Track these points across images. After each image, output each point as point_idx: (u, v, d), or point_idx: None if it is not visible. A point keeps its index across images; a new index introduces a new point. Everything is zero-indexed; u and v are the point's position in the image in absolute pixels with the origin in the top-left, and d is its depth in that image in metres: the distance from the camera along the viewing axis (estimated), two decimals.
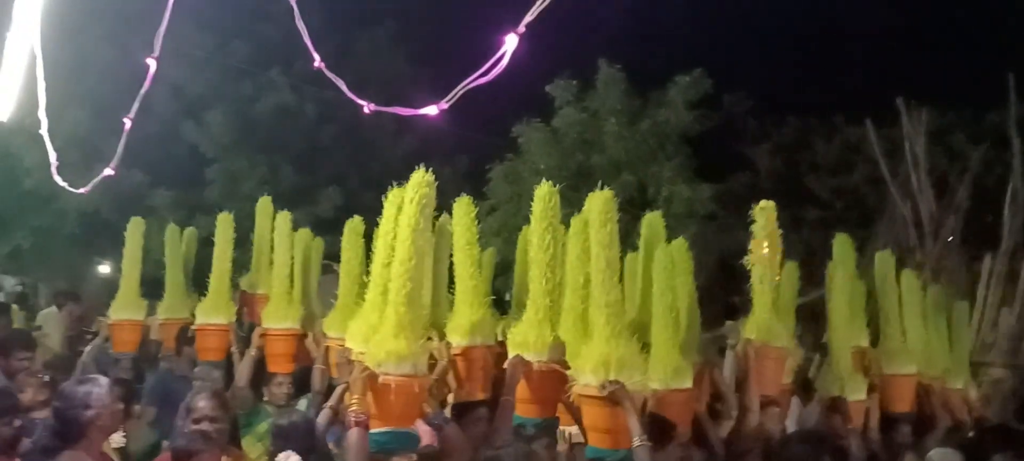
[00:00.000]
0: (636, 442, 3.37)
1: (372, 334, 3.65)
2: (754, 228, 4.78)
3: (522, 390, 3.97)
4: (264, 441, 4.43)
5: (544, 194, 4.10)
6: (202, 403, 3.59)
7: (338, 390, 3.72)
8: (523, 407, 3.99)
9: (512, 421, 3.90)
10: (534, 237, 4.11)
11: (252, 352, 5.19)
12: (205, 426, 3.52)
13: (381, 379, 3.39)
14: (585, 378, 3.58)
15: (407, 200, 3.62)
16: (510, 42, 2.52)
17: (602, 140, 13.52)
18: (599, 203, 3.69)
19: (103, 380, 3.38)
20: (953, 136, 13.08)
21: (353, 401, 3.33)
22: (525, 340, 3.97)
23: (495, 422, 3.85)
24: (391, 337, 3.47)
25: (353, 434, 3.27)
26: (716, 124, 13.99)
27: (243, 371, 5.09)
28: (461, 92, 2.72)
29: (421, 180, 3.64)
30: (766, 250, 4.77)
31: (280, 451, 3.91)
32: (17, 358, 5.06)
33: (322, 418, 3.69)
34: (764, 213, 4.75)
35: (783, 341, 4.71)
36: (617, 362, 3.51)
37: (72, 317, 10.03)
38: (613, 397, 3.46)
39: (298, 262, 5.69)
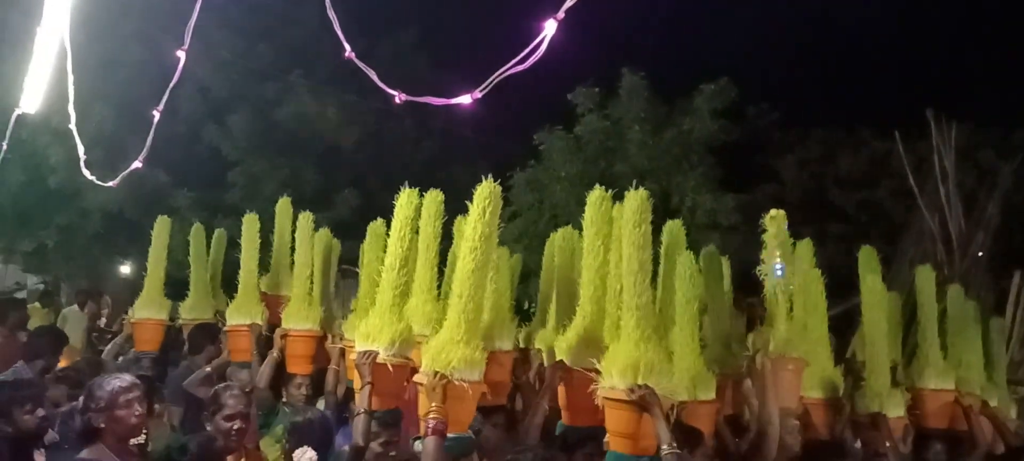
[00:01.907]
0: (665, 449, 3.24)
1: (393, 336, 3.65)
2: (765, 237, 4.73)
3: (564, 397, 3.92)
4: (282, 442, 4.41)
5: (596, 199, 4.02)
6: (231, 400, 3.63)
7: (365, 392, 3.68)
8: (568, 415, 3.95)
9: (539, 426, 3.84)
10: (585, 243, 4.03)
11: (273, 353, 5.17)
12: (238, 424, 3.56)
13: (457, 385, 3.36)
14: (611, 381, 3.48)
15: (475, 209, 3.60)
16: (549, 27, 2.47)
17: (625, 148, 13.44)
18: (634, 204, 3.61)
19: (127, 378, 3.37)
20: (982, 151, 12.88)
21: (432, 407, 3.27)
22: (571, 346, 3.89)
23: (522, 426, 3.80)
24: (462, 344, 3.45)
25: (430, 442, 3.21)
26: (741, 135, 13.88)
27: (263, 372, 5.08)
28: (497, 80, 2.67)
29: (489, 190, 3.62)
30: (778, 259, 4.72)
31: (296, 448, 3.91)
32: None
33: (360, 424, 3.65)
34: (775, 222, 4.70)
35: (800, 352, 4.63)
36: (646, 366, 3.41)
37: (94, 316, 10.12)
38: (642, 402, 3.35)
39: (318, 263, 5.68)
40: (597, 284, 3.96)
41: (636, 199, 3.61)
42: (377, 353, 3.75)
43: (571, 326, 4.02)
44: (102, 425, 3.23)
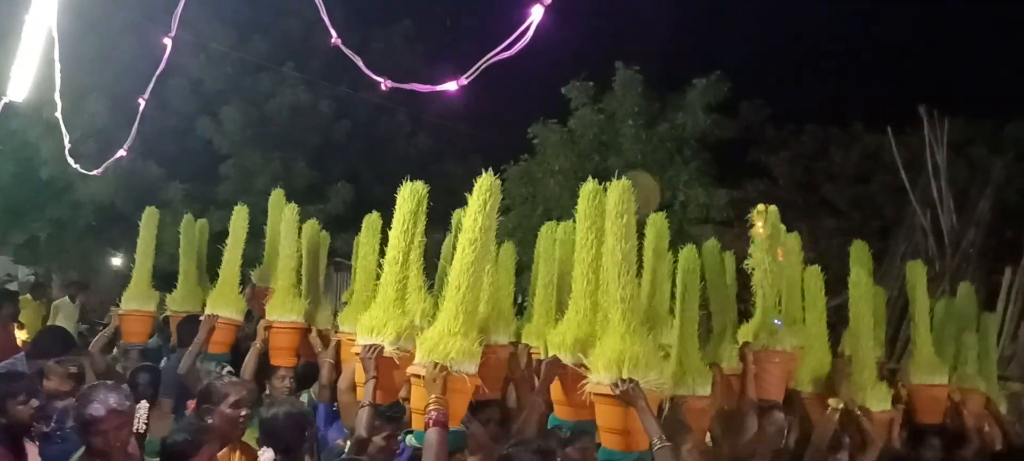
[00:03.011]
0: (656, 444, 3.21)
1: (398, 329, 3.65)
2: (752, 232, 4.73)
3: (559, 392, 3.90)
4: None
5: (589, 192, 3.98)
6: (234, 389, 3.72)
7: (369, 386, 3.67)
8: (561, 409, 3.93)
9: (536, 421, 3.81)
10: (578, 236, 3.99)
11: (257, 345, 5.14)
12: (245, 411, 3.66)
13: (456, 376, 3.33)
14: (598, 376, 3.45)
15: (474, 202, 3.56)
16: (536, 13, 2.47)
17: (618, 142, 13.46)
18: (616, 193, 3.56)
19: (110, 403, 3.26)
20: (974, 147, 12.91)
21: (432, 399, 3.23)
22: (564, 341, 3.86)
23: (519, 422, 3.78)
24: (460, 336, 3.41)
25: (433, 434, 3.15)
26: (734, 130, 13.89)
27: (248, 364, 5.05)
28: (483, 66, 2.68)
29: (489, 183, 3.57)
30: (764, 251, 4.73)
31: (263, 444, 3.88)
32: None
33: (365, 417, 3.64)
34: (761, 216, 4.70)
35: (786, 345, 4.63)
36: (631, 360, 3.37)
37: (84, 308, 10.10)
38: (626, 397, 3.31)
39: (305, 255, 5.66)
40: (590, 278, 3.92)
41: (619, 189, 3.57)
42: (382, 347, 3.73)
43: (563, 320, 3.99)
44: (85, 433, 3.24)
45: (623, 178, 3.62)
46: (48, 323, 9.79)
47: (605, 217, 3.92)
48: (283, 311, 5.25)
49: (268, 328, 5.21)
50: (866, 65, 19.05)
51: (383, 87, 3.27)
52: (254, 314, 5.97)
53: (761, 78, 16.61)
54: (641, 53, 13.98)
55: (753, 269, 4.71)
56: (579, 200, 4.00)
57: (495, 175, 3.62)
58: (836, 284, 6.14)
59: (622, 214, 3.53)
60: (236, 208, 5.98)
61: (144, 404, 4.31)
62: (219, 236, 6.75)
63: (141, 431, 4.12)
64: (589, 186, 3.98)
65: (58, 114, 5.78)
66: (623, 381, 3.33)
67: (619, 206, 3.55)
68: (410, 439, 3.71)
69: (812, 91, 17.82)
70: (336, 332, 5.02)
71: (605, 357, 3.43)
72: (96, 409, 3.22)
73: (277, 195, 6.15)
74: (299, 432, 3.67)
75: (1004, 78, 14.94)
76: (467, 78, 2.76)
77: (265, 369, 5.13)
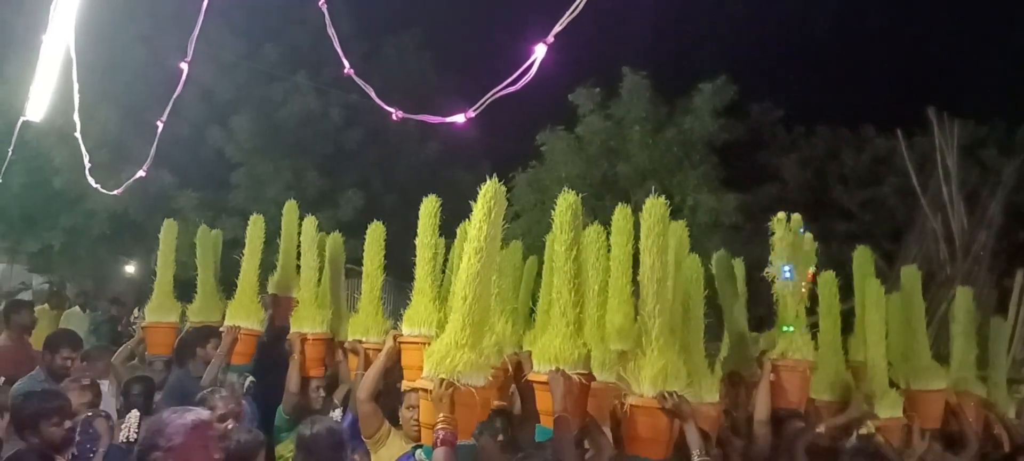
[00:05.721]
0: (696, 456, 3.34)
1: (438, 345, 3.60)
2: (773, 240, 4.72)
3: (548, 402, 3.84)
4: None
5: (569, 203, 4.03)
6: (221, 402, 3.75)
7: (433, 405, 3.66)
8: (546, 419, 3.90)
9: (572, 437, 3.73)
10: (560, 246, 3.97)
11: (296, 356, 5.17)
12: (232, 423, 3.67)
13: (463, 391, 3.31)
14: (639, 388, 3.54)
15: (479, 210, 3.52)
16: (539, 52, 2.47)
17: (626, 148, 13.45)
18: (657, 212, 3.65)
19: (205, 413, 3.02)
20: (985, 150, 12.89)
21: (440, 417, 3.21)
22: (556, 352, 3.83)
23: (554, 441, 3.76)
24: (467, 348, 3.40)
25: (440, 454, 3.14)
26: (744, 134, 13.87)
27: (293, 377, 5.06)
28: (489, 101, 2.69)
29: (494, 190, 3.53)
30: (787, 261, 4.71)
31: None
32: (62, 356, 5.10)
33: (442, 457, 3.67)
34: (781, 225, 4.70)
35: (804, 354, 4.62)
36: (673, 373, 3.49)
37: (113, 320, 10.19)
38: (676, 410, 3.42)
39: (328, 266, 5.70)
40: (574, 286, 3.92)
41: (657, 207, 3.64)
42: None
43: (549, 330, 3.97)
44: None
45: (660, 197, 3.68)
46: None
47: (580, 226, 3.95)
48: (311, 323, 5.29)
49: (304, 340, 5.23)
50: (876, 67, 19.00)
51: (395, 117, 3.28)
52: (275, 322, 5.98)
53: (771, 81, 16.62)
54: (648, 58, 14.03)
55: (774, 277, 4.71)
56: (556, 212, 3.99)
57: (504, 182, 3.60)
58: (847, 289, 6.14)
59: (662, 232, 3.62)
60: (252, 218, 6.01)
61: (135, 413, 4.36)
62: (230, 244, 6.79)
63: (132, 440, 4.12)
64: (569, 197, 3.98)
65: (78, 133, 5.79)
66: (670, 394, 3.44)
67: (660, 224, 3.62)
68: (420, 454, 3.70)
69: (822, 93, 17.80)
70: (361, 343, 5.04)
71: (651, 370, 3.52)
72: (197, 414, 2.92)
73: (290, 205, 6.19)
74: (340, 450, 3.67)
75: (1015, 80, 14.87)
76: (474, 111, 2.78)
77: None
